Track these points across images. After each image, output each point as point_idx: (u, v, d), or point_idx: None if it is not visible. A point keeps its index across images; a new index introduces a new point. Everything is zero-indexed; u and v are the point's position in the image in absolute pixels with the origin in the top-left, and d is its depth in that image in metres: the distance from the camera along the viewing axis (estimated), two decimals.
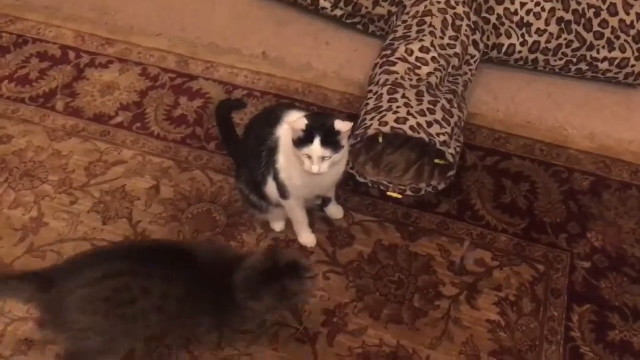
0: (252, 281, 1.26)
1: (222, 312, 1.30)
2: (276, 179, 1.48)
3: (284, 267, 1.26)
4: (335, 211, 1.69)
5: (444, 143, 1.63)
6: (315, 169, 1.35)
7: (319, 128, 1.34)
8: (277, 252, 1.32)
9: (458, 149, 1.71)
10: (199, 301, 1.27)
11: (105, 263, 1.26)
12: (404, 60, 1.79)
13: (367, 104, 1.74)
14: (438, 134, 1.62)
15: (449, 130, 1.66)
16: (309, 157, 1.35)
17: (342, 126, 1.35)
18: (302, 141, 1.34)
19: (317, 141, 1.33)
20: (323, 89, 2.02)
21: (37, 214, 1.70)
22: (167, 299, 1.24)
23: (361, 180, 1.73)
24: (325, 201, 1.67)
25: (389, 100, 1.69)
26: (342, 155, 1.40)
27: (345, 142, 1.37)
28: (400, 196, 1.73)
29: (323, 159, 1.35)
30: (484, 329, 1.50)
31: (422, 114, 1.65)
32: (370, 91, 1.79)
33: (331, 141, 1.34)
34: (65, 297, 1.23)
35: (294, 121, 1.35)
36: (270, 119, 1.50)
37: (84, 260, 1.30)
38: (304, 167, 1.37)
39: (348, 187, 1.74)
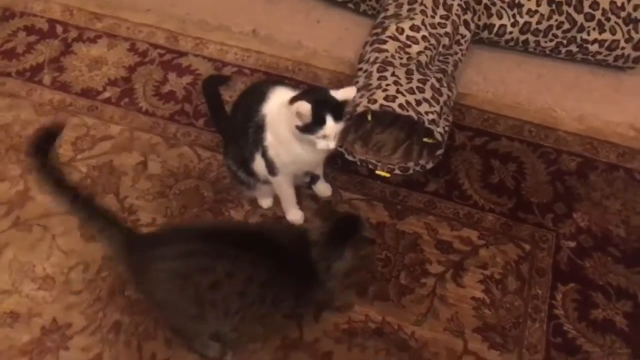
0: (328, 247, 1.27)
1: (303, 292, 1.31)
2: (264, 155, 1.48)
3: (348, 222, 1.30)
4: (323, 189, 1.69)
5: (433, 121, 1.62)
6: (333, 144, 1.37)
7: (326, 106, 1.34)
8: (334, 210, 1.37)
9: (447, 128, 1.71)
10: (281, 285, 1.26)
11: (192, 240, 1.23)
12: (395, 38, 1.78)
13: (357, 82, 1.74)
14: (427, 112, 1.62)
15: (437, 108, 1.66)
16: (324, 137, 1.35)
17: (345, 94, 1.36)
18: (312, 125, 1.33)
19: (330, 119, 1.33)
20: (313, 67, 2.01)
21: (23, 187, 1.69)
22: (250, 284, 1.22)
23: (350, 158, 1.73)
24: (313, 178, 1.67)
25: (379, 78, 1.68)
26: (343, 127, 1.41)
27: (346, 112, 1.38)
28: (388, 175, 1.73)
29: (335, 133, 1.36)
30: (469, 306, 1.51)
31: (411, 92, 1.64)
32: (360, 69, 1.78)
33: (340, 113, 1.36)
34: (149, 265, 1.22)
35: (298, 108, 1.32)
36: (256, 95, 1.49)
37: (172, 233, 1.29)
38: (318, 146, 1.37)
39: (336, 165, 1.73)
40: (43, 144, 1.24)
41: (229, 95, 1.89)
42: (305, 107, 1.32)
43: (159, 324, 1.45)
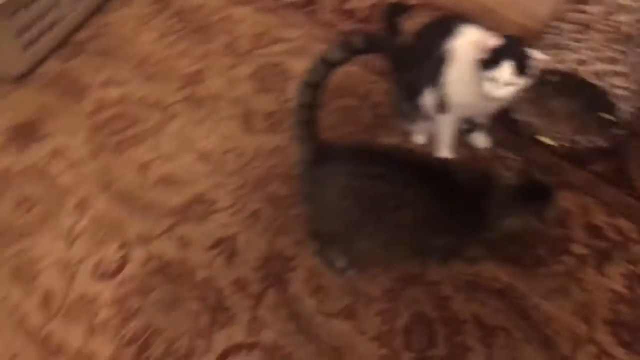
0: (511, 201, 1.25)
1: (467, 234, 1.31)
2: (439, 91, 1.45)
3: (540, 189, 1.26)
4: (481, 139, 1.64)
5: (621, 98, 1.50)
6: (497, 92, 1.31)
7: (511, 51, 1.29)
8: (531, 171, 1.32)
9: (634, 111, 1.57)
10: (452, 223, 1.27)
11: (379, 163, 1.25)
12: (601, 2, 1.65)
13: (546, 38, 1.63)
14: (617, 87, 1.50)
15: (631, 87, 1.52)
16: (493, 80, 1.30)
17: (538, 55, 1.29)
18: (489, 62, 1.29)
19: (506, 65, 1.28)
20: (500, 16, 1.91)
21: (201, 67, 1.80)
22: (426, 217, 1.24)
23: (516, 117, 1.65)
24: (474, 127, 1.63)
25: (574, 40, 1.57)
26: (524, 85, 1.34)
27: (534, 72, 1.31)
28: (553, 143, 1.63)
29: (508, 84, 1.30)
30: (605, 296, 1.42)
31: (607, 61, 1.52)
32: (554, 26, 1.67)
33: (521, 67, 1.29)
34: (332, 178, 1.26)
35: (484, 39, 1.30)
36: (444, 29, 1.45)
37: (361, 152, 1.31)
38: (484, 88, 1.32)
39: (502, 119, 1.66)
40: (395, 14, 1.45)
41: (407, 25, 1.86)
42: (490, 41, 1.28)
43: (294, 224, 1.52)
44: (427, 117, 1.55)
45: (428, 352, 1.36)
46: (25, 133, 1.70)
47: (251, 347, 1.37)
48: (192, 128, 1.69)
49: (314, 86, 1.31)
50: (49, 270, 1.48)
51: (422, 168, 1.27)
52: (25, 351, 1.37)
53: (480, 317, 1.40)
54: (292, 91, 1.75)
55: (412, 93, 1.52)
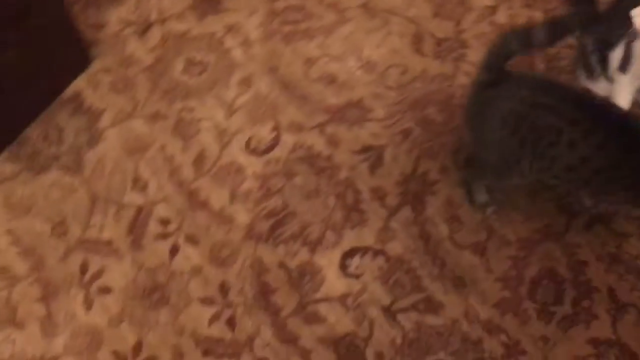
0: None
1: (626, 196, 1.23)
2: (628, 44, 1.36)
3: None
4: None
5: None
6: None
7: None
8: None
9: None
10: (617, 180, 1.18)
11: (557, 98, 1.17)
12: None
13: None
14: None
15: None
16: None
17: None
18: None
19: None
20: None
21: None
22: (585, 163, 1.16)
23: None
24: None
25: None
26: None
27: None
28: None
29: None
30: None
31: None
32: None
33: None
34: (501, 100, 1.21)
35: None
36: None
37: (541, 82, 1.27)
38: None
39: None
40: None
41: None
42: None
43: (442, 150, 1.51)
44: (608, 77, 1.46)
45: (552, 307, 1.33)
46: (208, 3, 1.77)
47: (377, 252, 1.40)
48: (362, 35, 1.69)
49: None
50: (207, 132, 1.56)
51: (596, 110, 1.17)
52: (174, 197, 1.47)
53: (615, 290, 1.35)
54: (469, 22, 1.71)
55: (604, 45, 1.43)
